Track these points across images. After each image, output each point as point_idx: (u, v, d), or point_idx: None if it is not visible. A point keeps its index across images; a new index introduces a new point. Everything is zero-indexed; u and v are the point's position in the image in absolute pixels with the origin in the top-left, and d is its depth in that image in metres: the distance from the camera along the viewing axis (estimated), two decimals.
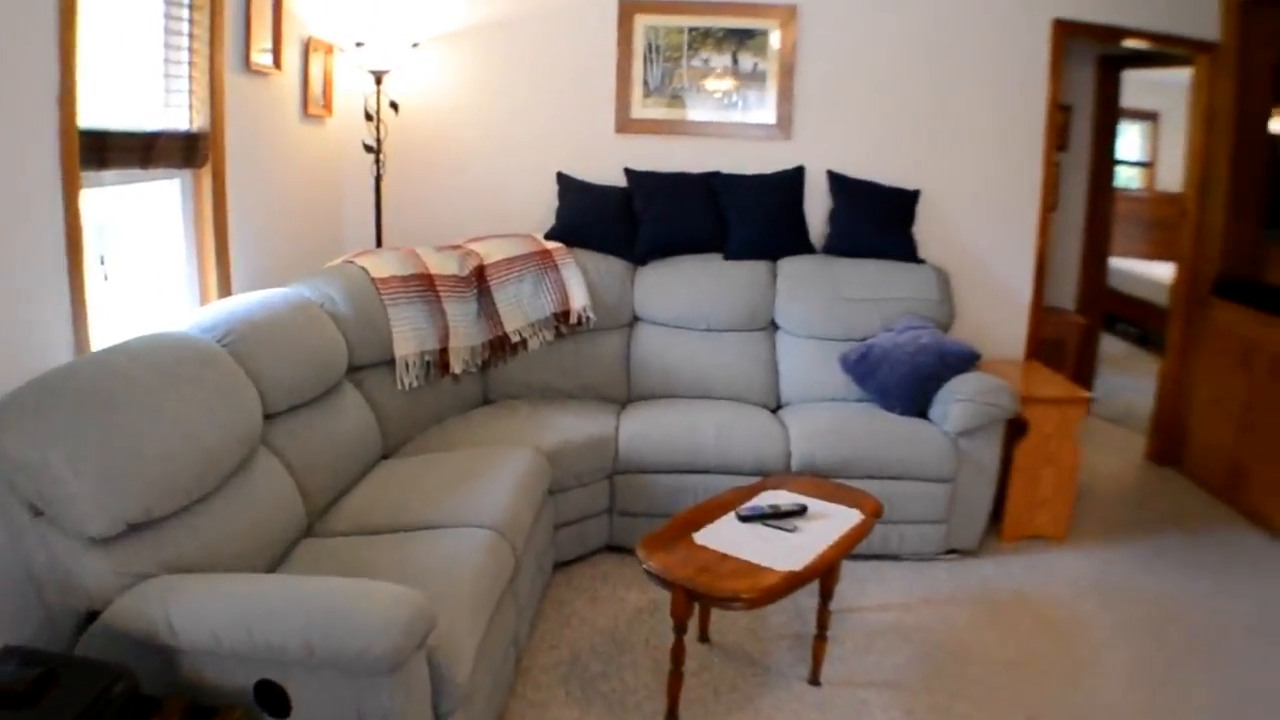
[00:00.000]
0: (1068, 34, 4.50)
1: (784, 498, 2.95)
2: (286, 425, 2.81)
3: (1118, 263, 8.54)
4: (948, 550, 3.75)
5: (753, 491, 3.03)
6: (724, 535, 2.71)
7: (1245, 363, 4.39)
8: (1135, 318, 8.22)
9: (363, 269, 3.56)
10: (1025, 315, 4.61)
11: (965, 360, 3.76)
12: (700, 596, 2.50)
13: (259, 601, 1.94)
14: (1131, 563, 3.84)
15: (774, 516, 2.80)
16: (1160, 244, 9.13)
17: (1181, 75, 5.03)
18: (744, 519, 2.80)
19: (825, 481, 3.23)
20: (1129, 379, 6.90)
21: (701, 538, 2.69)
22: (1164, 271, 7.73)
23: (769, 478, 3.24)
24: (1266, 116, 4.55)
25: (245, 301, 2.93)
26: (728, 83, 4.42)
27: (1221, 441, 4.58)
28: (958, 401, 3.58)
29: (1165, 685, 2.96)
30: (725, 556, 2.59)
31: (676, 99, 4.45)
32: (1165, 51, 5.02)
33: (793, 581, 2.51)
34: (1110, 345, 8.08)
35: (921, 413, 3.77)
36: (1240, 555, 3.98)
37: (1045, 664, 3.05)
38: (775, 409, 4.04)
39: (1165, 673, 3.03)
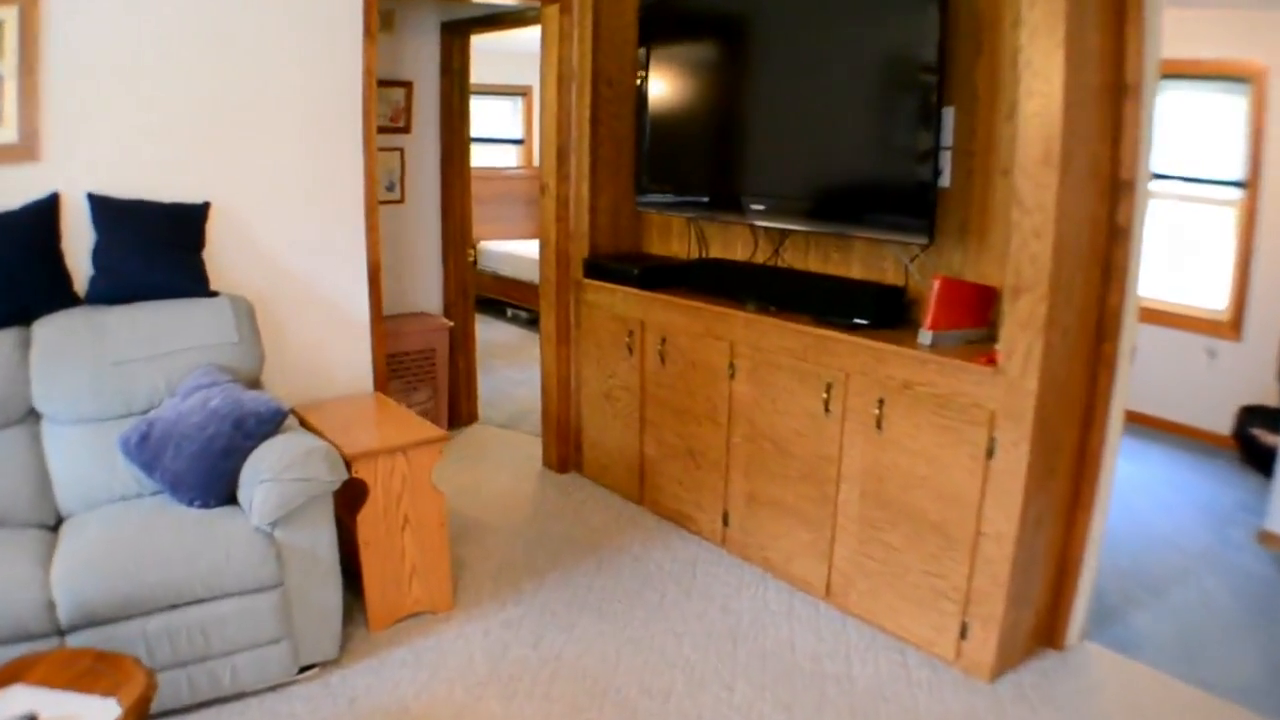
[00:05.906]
0: None
1: (21, 701, 1.92)
2: None
3: (497, 246, 8.40)
4: (304, 668, 2.83)
5: None
6: None
7: (631, 347, 4.06)
8: (523, 302, 8.06)
9: None
10: (368, 335, 3.82)
11: (268, 422, 2.82)
12: None
13: None
14: (541, 618, 3.23)
15: None
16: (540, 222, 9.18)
17: None
18: None
19: (82, 654, 2.15)
20: (522, 371, 6.63)
21: None
22: None
23: (8, 665, 2.10)
24: (631, 74, 4.14)
25: None
26: None
27: (619, 437, 4.24)
28: (261, 483, 2.64)
29: None
30: None
31: None
32: (512, 9, 4.53)
33: None
34: (502, 333, 7.89)
35: (233, 498, 2.79)
36: (668, 570, 3.61)
37: None
38: (57, 525, 2.82)
39: None
